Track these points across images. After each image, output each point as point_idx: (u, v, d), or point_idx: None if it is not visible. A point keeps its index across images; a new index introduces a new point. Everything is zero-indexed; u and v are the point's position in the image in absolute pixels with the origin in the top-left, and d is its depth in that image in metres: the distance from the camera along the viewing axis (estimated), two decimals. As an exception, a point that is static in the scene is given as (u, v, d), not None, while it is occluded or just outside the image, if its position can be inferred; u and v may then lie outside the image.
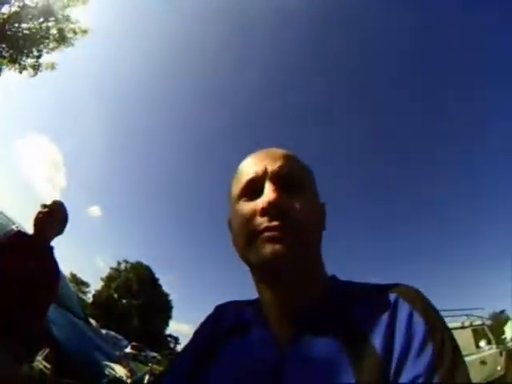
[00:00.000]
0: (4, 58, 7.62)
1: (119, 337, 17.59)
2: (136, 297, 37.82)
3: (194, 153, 75.10)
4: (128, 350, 15.68)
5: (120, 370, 3.13)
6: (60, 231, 2.04)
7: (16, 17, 7.33)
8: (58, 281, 1.94)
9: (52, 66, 9.15)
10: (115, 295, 38.49)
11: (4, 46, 7.43)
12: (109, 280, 39.53)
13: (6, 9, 7.31)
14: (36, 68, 8.82)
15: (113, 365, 3.14)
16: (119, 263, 41.26)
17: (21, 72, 8.23)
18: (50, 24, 8.32)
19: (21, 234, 2.08)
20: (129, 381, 3.01)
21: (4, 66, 7.72)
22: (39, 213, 1.93)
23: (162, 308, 39.65)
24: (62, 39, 9.02)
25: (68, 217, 2.07)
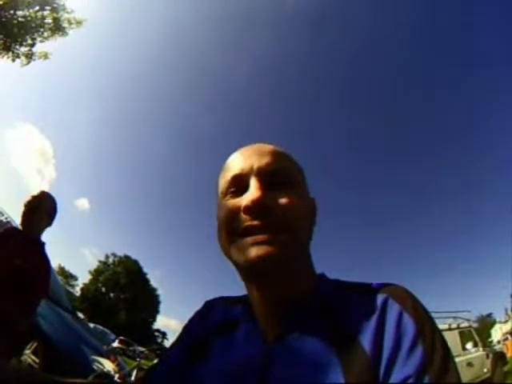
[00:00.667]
0: (-2, 44, 7.46)
1: (107, 331, 17.48)
2: (124, 291, 37.57)
3: (185, 146, 74.71)
4: (115, 344, 15.56)
5: (108, 365, 3.12)
6: (49, 223, 1.99)
7: (12, 3, 7.17)
8: (48, 277, 1.91)
9: (45, 56, 8.98)
10: (103, 289, 38.22)
11: None
12: (97, 273, 39.23)
13: None
14: (29, 57, 8.65)
15: (101, 359, 3.15)
16: (107, 256, 41.05)
17: (13, 60, 8.07)
18: (46, 13, 8.19)
19: (10, 228, 2.06)
20: (117, 375, 2.95)
21: None
22: (26, 205, 1.88)
23: (150, 302, 39.47)
24: (56, 29, 8.87)
25: (57, 208, 2.02)
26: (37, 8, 7.78)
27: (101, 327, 16.84)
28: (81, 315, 8.75)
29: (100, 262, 40.78)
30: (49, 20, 8.53)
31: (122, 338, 18.76)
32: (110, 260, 40.70)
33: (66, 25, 8.97)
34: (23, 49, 8.06)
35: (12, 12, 7.28)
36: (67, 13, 8.95)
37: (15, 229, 2.09)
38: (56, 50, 9.47)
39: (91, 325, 15.43)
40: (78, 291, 38.04)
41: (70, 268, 40.26)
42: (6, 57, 7.85)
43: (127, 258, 40.28)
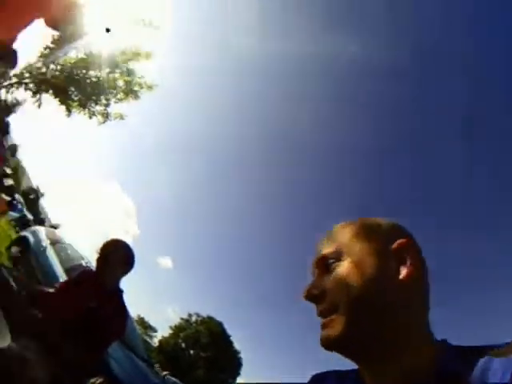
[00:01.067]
0: (73, 101, 8.58)
1: (178, 382, 17.01)
2: (205, 349, 37.32)
3: (271, 208, 75.89)
4: None
5: None
6: (124, 272, 2.01)
7: (83, 63, 8.33)
8: (123, 322, 1.96)
9: (121, 117, 9.81)
10: (183, 345, 38.50)
11: (73, 89, 8.42)
12: (178, 329, 39.84)
13: (73, 54, 8.39)
14: (105, 116, 9.70)
15: None
16: (190, 315, 41.48)
17: (90, 117, 9.15)
18: (117, 75, 9.27)
19: (88, 271, 2.20)
20: None
21: (74, 109, 8.68)
22: (99, 253, 1.95)
23: (231, 364, 38.45)
24: (129, 91, 9.87)
25: (133, 256, 2.02)
26: (108, 70, 8.87)
27: (173, 379, 16.42)
28: (156, 366, 8.63)
29: (182, 319, 41.62)
30: (120, 82, 9.61)
31: None
32: (193, 319, 41.22)
33: (137, 88, 9.86)
34: (98, 107, 9.14)
35: (84, 71, 8.43)
36: (138, 77, 9.92)
37: (93, 272, 2.14)
38: (131, 111, 10.46)
39: (165, 373, 15.13)
40: (155, 343, 38.97)
41: (150, 320, 41.86)
42: (82, 113, 8.96)
43: (210, 318, 40.59)
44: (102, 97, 8.94)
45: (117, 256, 1.95)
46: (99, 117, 9.52)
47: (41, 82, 8.42)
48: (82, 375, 1.77)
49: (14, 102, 16.88)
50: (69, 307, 1.78)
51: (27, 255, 5.58)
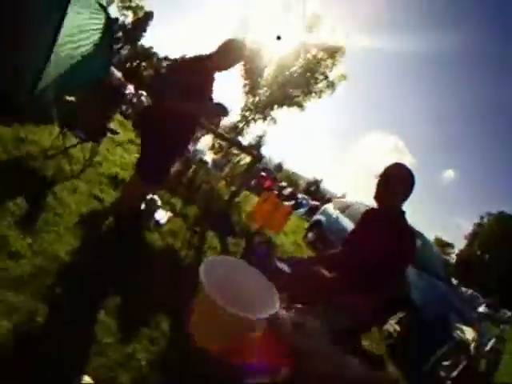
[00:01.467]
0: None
1: (475, 294, 17.16)
2: (498, 251, 34.11)
3: None
4: (482, 308, 14.98)
5: (469, 333, 2.94)
6: (405, 197, 1.83)
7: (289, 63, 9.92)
8: (412, 249, 1.77)
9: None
10: (478, 252, 36.81)
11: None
12: (472, 237, 38.83)
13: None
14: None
15: (464, 327, 3.03)
16: (482, 217, 39.65)
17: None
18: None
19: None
20: (473, 345, 2.76)
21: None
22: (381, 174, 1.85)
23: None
24: (330, 85, 10.66)
25: (413, 177, 1.83)
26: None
27: (470, 290, 16.76)
28: (454, 281, 9.65)
29: (475, 224, 40.04)
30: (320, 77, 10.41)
31: (489, 301, 17.30)
32: (485, 220, 39.28)
33: (336, 81, 10.58)
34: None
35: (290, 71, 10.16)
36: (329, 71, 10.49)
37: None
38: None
39: (463, 289, 15.88)
40: (453, 258, 39.19)
41: (447, 237, 41.90)
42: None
43: (502, 214, 37.28)
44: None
45: (398, 178, 1.79)
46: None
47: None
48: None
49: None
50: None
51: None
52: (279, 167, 44.11)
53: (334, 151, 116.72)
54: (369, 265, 1.59)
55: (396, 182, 1.79)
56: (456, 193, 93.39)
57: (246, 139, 11.52)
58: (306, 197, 21.95)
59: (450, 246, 42.19)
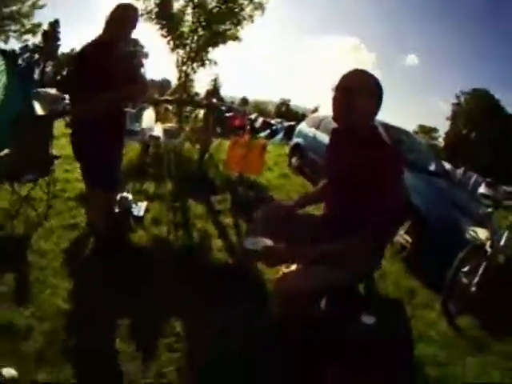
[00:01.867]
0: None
1: (470, 173, 17.09)
2: (482, 128, 34.74)
3: None
4: (482, 189, 15.15)
5: (482, 233, 2.83)
6: (374, 114, 1.46)
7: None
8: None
9: None
10: (464, 131, 37.34)
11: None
12: (453, 118, 39.05)
13: None
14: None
15: (476, 228, 2.94)
16: (458, 97, 39.79)
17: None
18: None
19: None
20: (488, 243, 2.61)
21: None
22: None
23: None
24: (258, 6, 9.17)
25: (382, 92, 1.45)
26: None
27: (462, 169, 16.52)
28: (445, 164, 8.68)
29: (453, 104, 40.18)
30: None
31: (488, 180, 17.24)
32: (462, 99, 39.45)
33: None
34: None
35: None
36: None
37: None
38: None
39: (458, 171, 15.69)
40: (441, 142, 39.94)
41: (430, 123, 42.56)
42: None
43: (477, 91, 37.39)
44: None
45: (364, 90, 1.39)
46: None
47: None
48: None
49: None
50: None
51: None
52: (245, 101, 43.14)
53: (293, 66, 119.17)
54: (351, 206, 1.39)
55: (361, 96, 1.37)
56: (424, 77, 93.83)
57: (200, 88, 10.70)
58: (279, 120, 21.32)
59: (434, 130, 43.12)
